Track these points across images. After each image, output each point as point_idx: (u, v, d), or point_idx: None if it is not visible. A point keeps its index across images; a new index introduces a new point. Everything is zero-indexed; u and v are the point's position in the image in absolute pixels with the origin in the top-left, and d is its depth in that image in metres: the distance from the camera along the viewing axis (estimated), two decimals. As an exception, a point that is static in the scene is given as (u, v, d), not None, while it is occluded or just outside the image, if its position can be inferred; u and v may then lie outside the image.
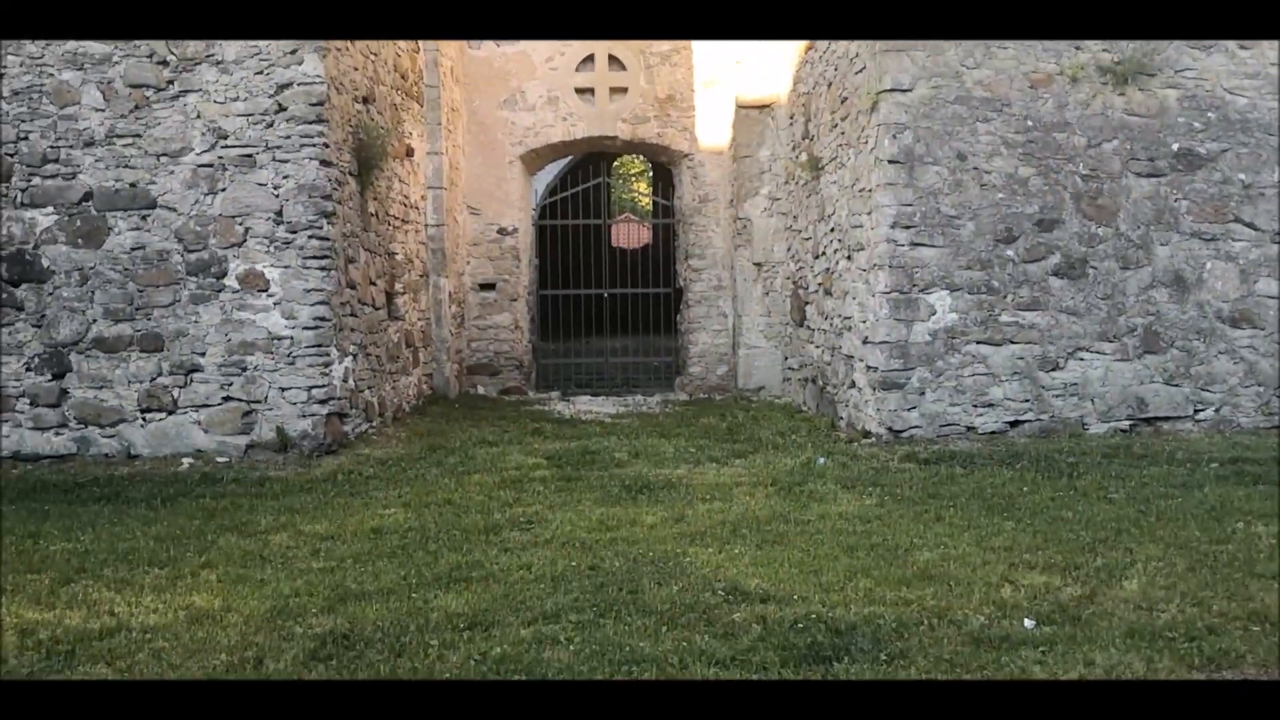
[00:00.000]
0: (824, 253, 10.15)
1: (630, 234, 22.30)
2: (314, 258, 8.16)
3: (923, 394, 8.37)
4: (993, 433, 8.42)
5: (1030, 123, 8.49)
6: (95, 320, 8.23)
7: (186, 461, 8.02)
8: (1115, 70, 8.53)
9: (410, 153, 10.97)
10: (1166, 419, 8.64)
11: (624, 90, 13.04)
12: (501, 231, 13.06)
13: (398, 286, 10.32)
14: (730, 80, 12.51)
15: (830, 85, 9.87)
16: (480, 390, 12.83)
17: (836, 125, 9.65)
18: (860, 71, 8.90)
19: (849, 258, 9.24)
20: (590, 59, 12.98)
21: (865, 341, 8.70)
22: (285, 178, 8.15)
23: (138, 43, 8.13)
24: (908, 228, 8.36)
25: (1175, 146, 8.62)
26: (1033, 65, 8.49)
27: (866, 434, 8.63)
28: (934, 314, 8.38)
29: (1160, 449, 7.86)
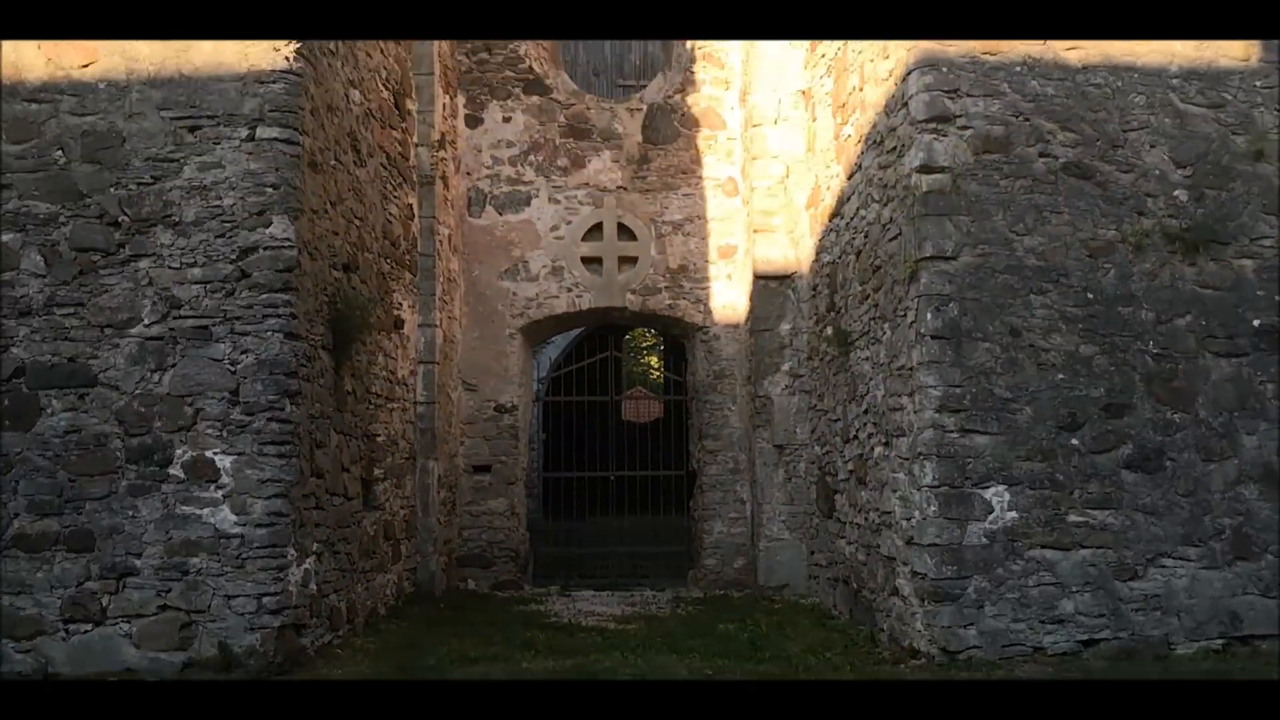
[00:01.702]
0: (856, 436, 9.05)
1: (641, 408, 21.38)
2: (273, 443, 7.08)
3: (981, 607, 7.14)
4: (1064, 653, 7.14)
5: (1091, 295, 7.50)
6: (18, 514, 7.11)
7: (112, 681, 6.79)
8: (1184, 238, 7.60)
9: (399, 324, 10.02)
10: (1265, 637, 7.37)
11: (633, 260, 12.20)
12: (499, 409, 12.02)
13: (377, 472, 9.21)
14: (747, 249, 11.66)
15: (859, 254, 8.96)
16: (471, 585, 11.57)
17: (868, 297, 8.68)
18: (895, 238, 7.98)
19: (887, 444, 8.13)
20: (598, 227, 12.20)
21: (910, 543, 7.51)
22: (244, 352, 7.15)
23: (88, 201, 7.26)
24: (956, 411, 7.28)
25: (1256, 323, 7.61)
26: (1090, 231, 7.56)
27: (915, 653, 7.35)
28: (991, 512, 7.22)
29: (1261, 672, 6.61)
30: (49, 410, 7.18)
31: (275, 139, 7.28)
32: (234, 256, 7.21)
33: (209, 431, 7.11)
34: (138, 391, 7.16)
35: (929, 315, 7.37)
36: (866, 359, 8.76)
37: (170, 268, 7.22)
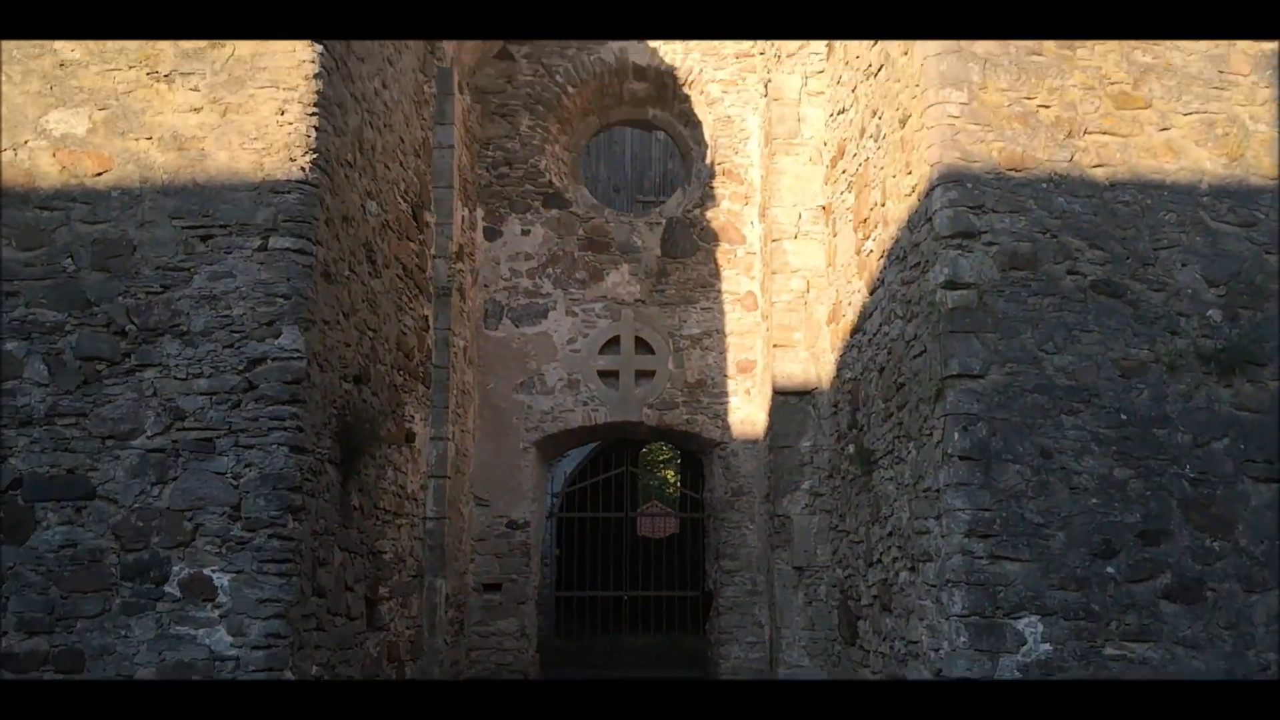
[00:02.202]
0: (880, 560, 8.71)
1: (657, 524, 21.06)
2: (273, 560, 6.82)
3: (1014, 747, 6.72)
4: (1104, 799, 6.70)
5: (1124, 416, 7.24)
6: (6, 632, 6.82)
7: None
8: (1218, 358, 7.35)
9: (410, 438, 9.81)
10: (1318, 782, 6.91)
11: (650, 374, 12.02)
12: (511, 525, 11.72)
13: (382, 591, 8.90)
14: (766, 364, 11.47)
15: (882, 370, 8.74)
16: (479, 709, 11.12)
17: (891, 415, 8.43)
18: (919, 355, 7.77)
19: (912, 569, 7.80)
20: (615, 341, 12.05)
21: (939, 675, 7.13)
22: (248, 466, 6.93)
23: (96, 310, 7.13)
24: (986, 536, 6.97)
25: (1297, 447, 7.32)
26: (1122, 351, 7.33)
27: (943, 795, 6.92)
28: (1023, 644, 6.85)
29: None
30: (45, 523, 6.95)
31: (288, 249, 7.18)
32: (241, 367, 7.04)
33: (208, 548, 6.85)
34: (137, 505, 6.93)
35: (956, 435, 7.11)
36: (890, 479, 8.47)
37: (176, 378, 7.06)
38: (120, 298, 7.20)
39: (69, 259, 7.26)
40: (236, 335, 7.08)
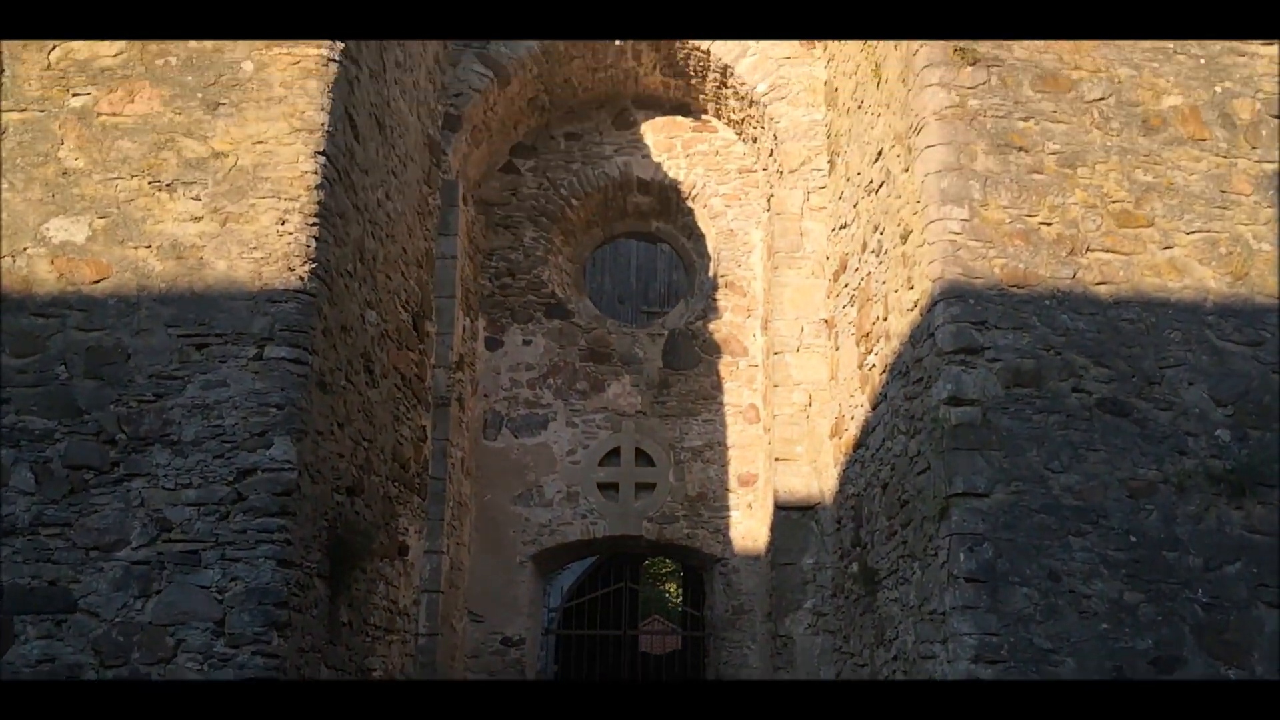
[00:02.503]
0: (883, 685, 8.44)
1: (656, 640, 20.66)
2: (257, 679, 6.59)
3: None
4: None
5: (1134, 539, 7.06)
6: (-24, 752, 6.58)
7: None
8: (1228, 479, 7.20)
9: (404, 551, 9.61)
10: None
11: (651, 486, 11.85)
12: (506, 642, 11.43)
13: (371, 711, 8.60)
14: (768, 478, 11.30)
15: (885, 487, 8.58)
16: (469, 835, 10.70)
17: (896, 533, 8.25)
18: (923, 472, 7.63)
19: (917, 695, 7.53)
20: (616, 452, 11.91)
21: (945, 809, 6.82)
22: (234, 579, 6.75)
23: (87, 418, 7.04)
24: (994, 663, 6.73)
25: (1312, 572, 7.12)
26: (1130, 471, 7.18)
27: None
28: (1034, 778, 6.57)
29: None
30: (23, 637, 6.75)
31: (283, 358, 7.11)
32: (231, 478, 6.91)
33: (189, 665, 6.64)
34: (118, 619, 6.73)
35: (962, 556, 6.93)
36: (895, 600, 8.25)
37: (164, 488, 6.93)
38: (112, 406, 7.11)
39: (62, 366, 7.19)
40: (227, 445, 6.97)
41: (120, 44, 7.77)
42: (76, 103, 7.66)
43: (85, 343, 7.22)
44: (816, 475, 10.78)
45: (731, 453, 11.90)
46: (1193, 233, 7.67)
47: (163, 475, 6.95)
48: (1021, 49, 8.03)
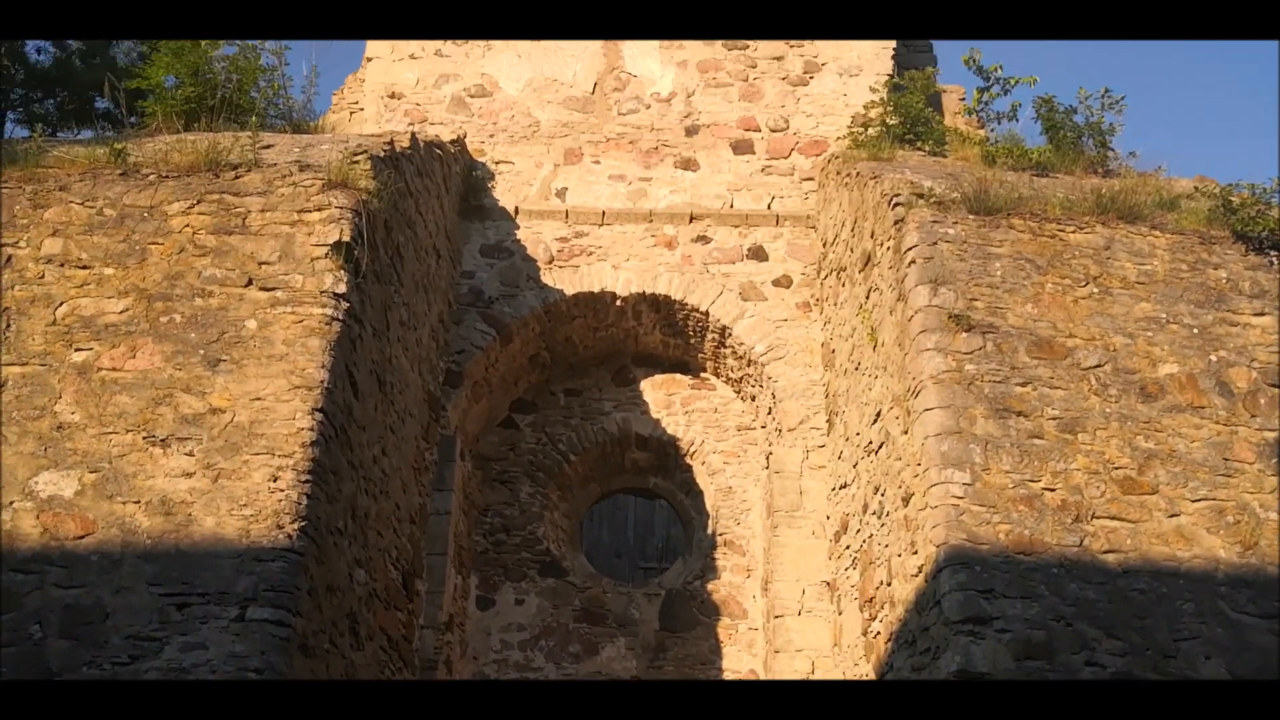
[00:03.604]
0: None
1: None
2: None
3: None
4: None
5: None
6: None
7: None
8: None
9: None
10: None
11: (646, 757, 11.24)
12: None
13: None
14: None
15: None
16: None
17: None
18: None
19: None
20: None
21: None
22: None
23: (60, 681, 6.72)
24: None
25: None
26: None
27: None
28: None
29: None
30: None
31: (266, 620, 6.85)
32: (201, 749, 6.52)
33: None
34: None
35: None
36: None
37: (129, 760, 6.52)
38: (85, 668, 6.78)
39: (37, 625, 6.91)
40: (201, 713, 6.62)
41: (127, 300, 7.90)
42: (78, 358, 7.71)
43: (63, 600, 6.97)
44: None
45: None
46: (1199, 500, 7.57)
47: (129, 746, 6.56)
48: (1015, 316, 8.17)
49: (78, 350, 7.72)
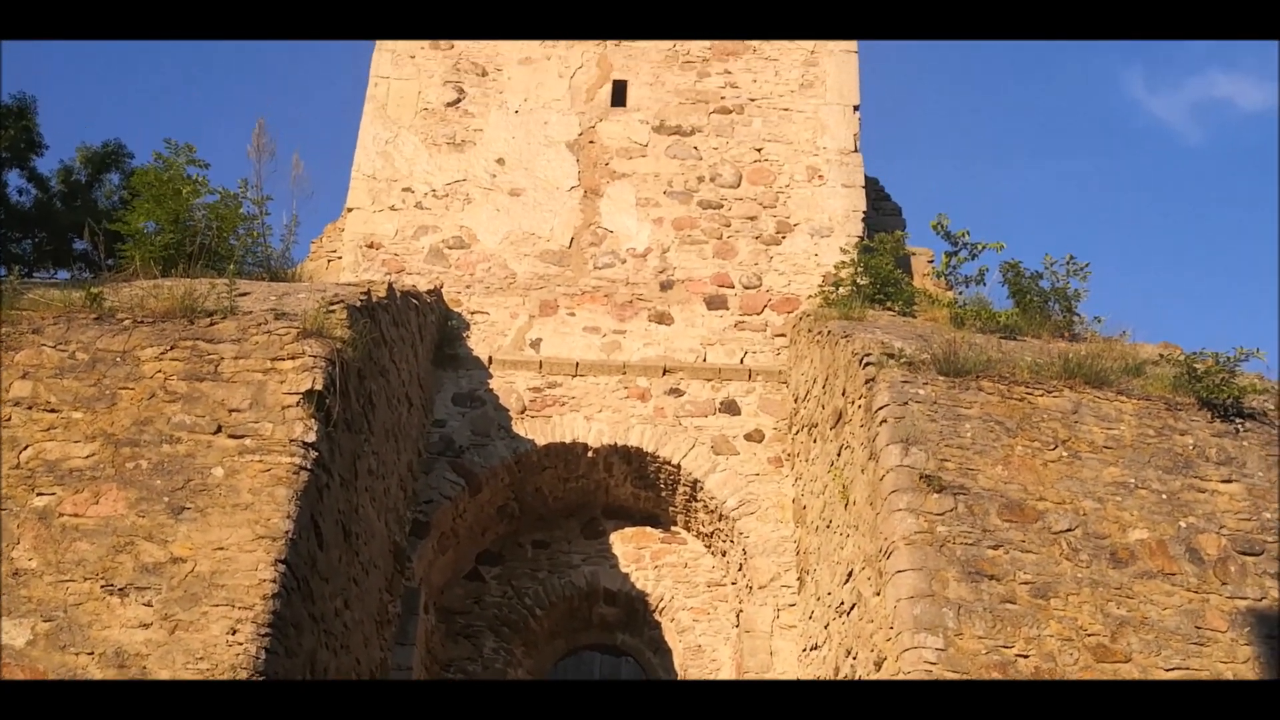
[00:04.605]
0: None
1: None
2: None
3: None
4: None
5: None
6: None
7: None
8: None
9: None
10: None
11: None
12: None
13: None
14: None
15: None
16: None
17: None
18: None
19: None
20: None
21: None
22: None
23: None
24: None
25: None
26: None
27: None
28: None
29: None
30: None
31: (216, 782, 6.58)
32: None
33: None
34: None
35: None
36: None
37: None
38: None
39: (-27, 784, 6.62)
40: None
41: (94, 445, 7.80)
42: (39, 502, 7.56)
43: (3, 758, 6.69)
44: None
45: None
46: (1171, 669, 7.49)
47: None
48: (986, 478, 8.20)
49: (40, 495, 7.58)
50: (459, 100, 13.38)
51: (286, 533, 7.50)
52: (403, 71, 13.50)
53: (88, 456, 7.77)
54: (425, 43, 13.59)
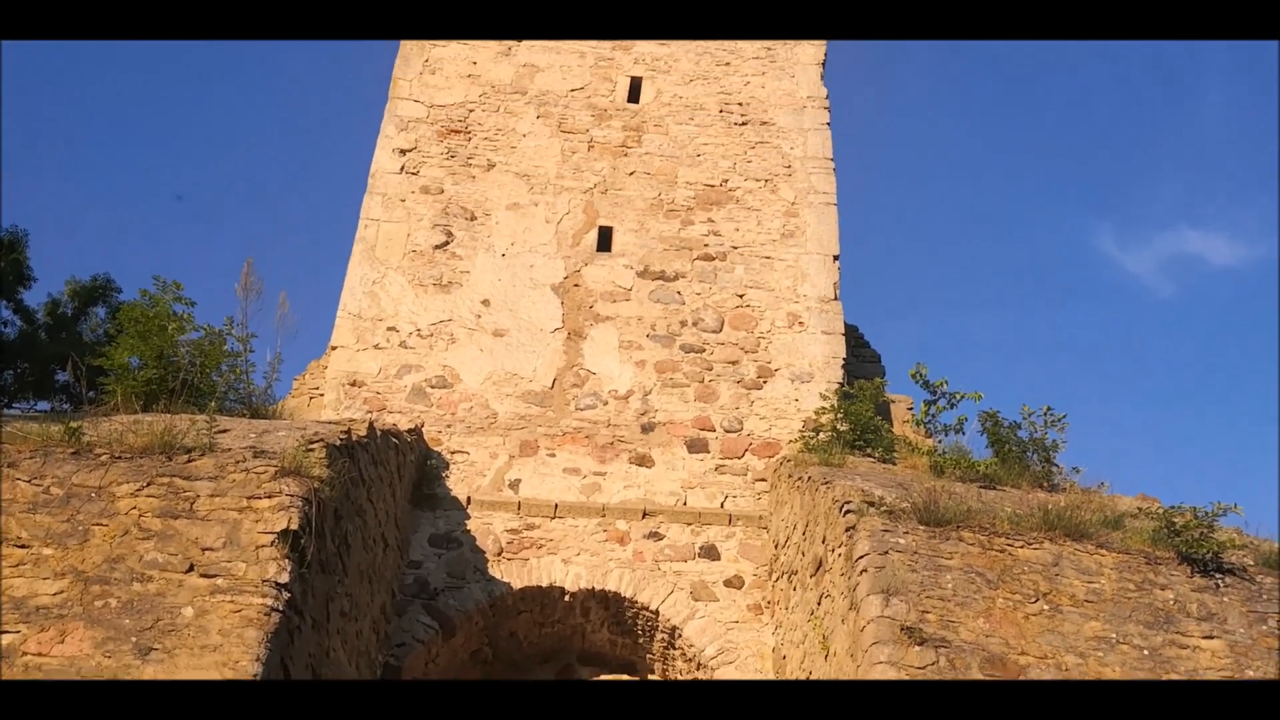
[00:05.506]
0: None
1: None
2: None
3: None
4: None
5: None
6: None
7: None
8: None
9: None
10: None
11: None
12: None
13: None
14: None
15: None
16: None
17: None
18: None
19: None
20: None
21: None
22: None
23: None
24: None
25: None
26: None
27: None
28: None
29: None
30: None
31: None
32: None
33: None
34: None
35: None
36: None
37: None
38: None
39: None
40: None
41: (63, 583, 7.65)
42: (4, 641, 7.38)
43: None
44: None
45: None
46: (1160, 833, 7.29)
47: None
48: (967, 630, 8.11)
49: (4, 633, 7.40)
50: (447, 243, 13.59)
51: (254, 675, 7.32)
52: (393, 214, 13.74)
53: (56, 594, 7.61)
54: (416, 188, 13.88)
